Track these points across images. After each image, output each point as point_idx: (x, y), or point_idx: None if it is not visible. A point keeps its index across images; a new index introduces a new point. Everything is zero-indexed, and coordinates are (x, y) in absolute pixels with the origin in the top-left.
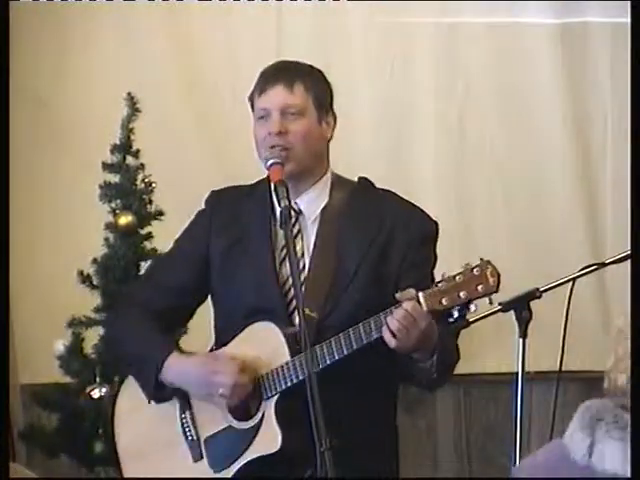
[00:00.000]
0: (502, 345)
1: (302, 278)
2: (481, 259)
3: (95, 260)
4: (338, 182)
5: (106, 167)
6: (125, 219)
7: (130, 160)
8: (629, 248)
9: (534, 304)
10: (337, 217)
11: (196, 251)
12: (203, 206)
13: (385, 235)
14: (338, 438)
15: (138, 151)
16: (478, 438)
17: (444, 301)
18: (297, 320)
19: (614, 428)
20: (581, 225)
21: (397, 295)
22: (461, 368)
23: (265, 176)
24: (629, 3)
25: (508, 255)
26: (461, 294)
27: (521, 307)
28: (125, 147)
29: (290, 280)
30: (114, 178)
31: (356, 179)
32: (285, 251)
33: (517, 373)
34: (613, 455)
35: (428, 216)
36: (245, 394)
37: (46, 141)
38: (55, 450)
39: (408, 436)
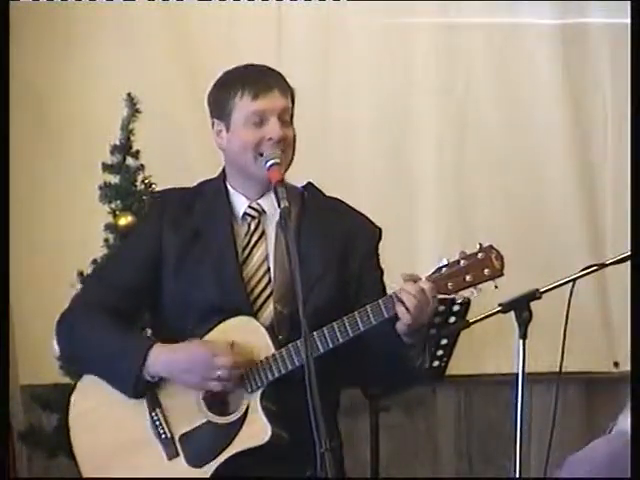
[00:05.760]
0: (502, 346)
1: (268, 277)
2: (480, 245)
3: (95, 261)
4: (289, 187)
5: (106, 168)
6: (125, 220)
7: (130, 161)
8: (629, 248)
9: (534, 305)
10: (295, 221)
11: (148, 250)
12: (148, 206)
13: (344, 241)
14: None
15: (138, 152)
16: (478, 438)
17: (450, 285)
18: (265, 316)
19: None
20: (581, 225)
21: (402, 275)
22: (461, 369)
23: (214, 176)
24: (629, 3)
25: (508, 255)
26: (467, 277)
27: (521, 308)
28: (125, 148)
29: (255, 277)
30: (114, 179)
31: (302, 185)
32: (248, 250)
33: (517, 374)
34: None
35: (373, 223)
36: (238, 379)
37: (46, 142)
38: (55, 450)
39: (408, 436)
